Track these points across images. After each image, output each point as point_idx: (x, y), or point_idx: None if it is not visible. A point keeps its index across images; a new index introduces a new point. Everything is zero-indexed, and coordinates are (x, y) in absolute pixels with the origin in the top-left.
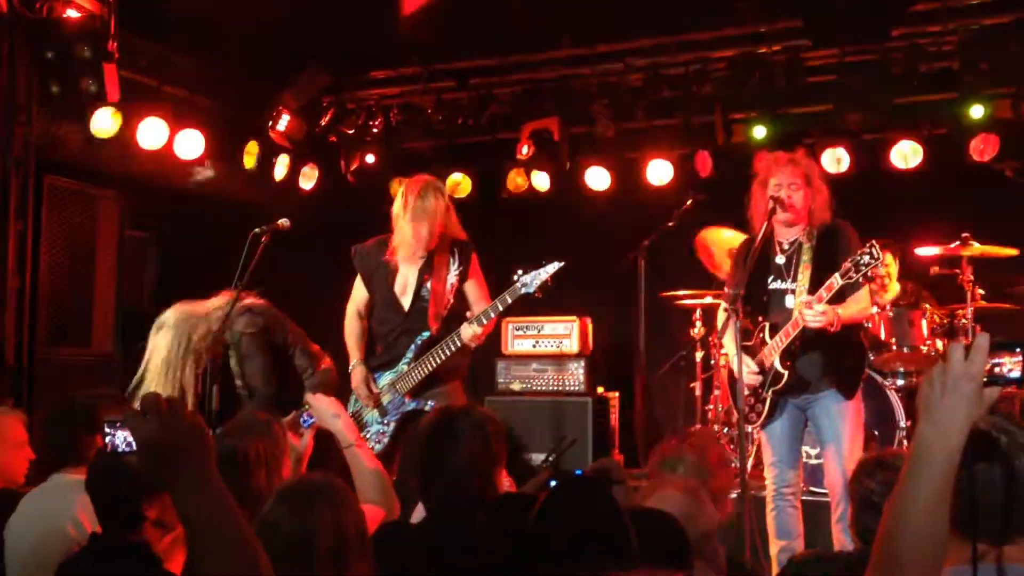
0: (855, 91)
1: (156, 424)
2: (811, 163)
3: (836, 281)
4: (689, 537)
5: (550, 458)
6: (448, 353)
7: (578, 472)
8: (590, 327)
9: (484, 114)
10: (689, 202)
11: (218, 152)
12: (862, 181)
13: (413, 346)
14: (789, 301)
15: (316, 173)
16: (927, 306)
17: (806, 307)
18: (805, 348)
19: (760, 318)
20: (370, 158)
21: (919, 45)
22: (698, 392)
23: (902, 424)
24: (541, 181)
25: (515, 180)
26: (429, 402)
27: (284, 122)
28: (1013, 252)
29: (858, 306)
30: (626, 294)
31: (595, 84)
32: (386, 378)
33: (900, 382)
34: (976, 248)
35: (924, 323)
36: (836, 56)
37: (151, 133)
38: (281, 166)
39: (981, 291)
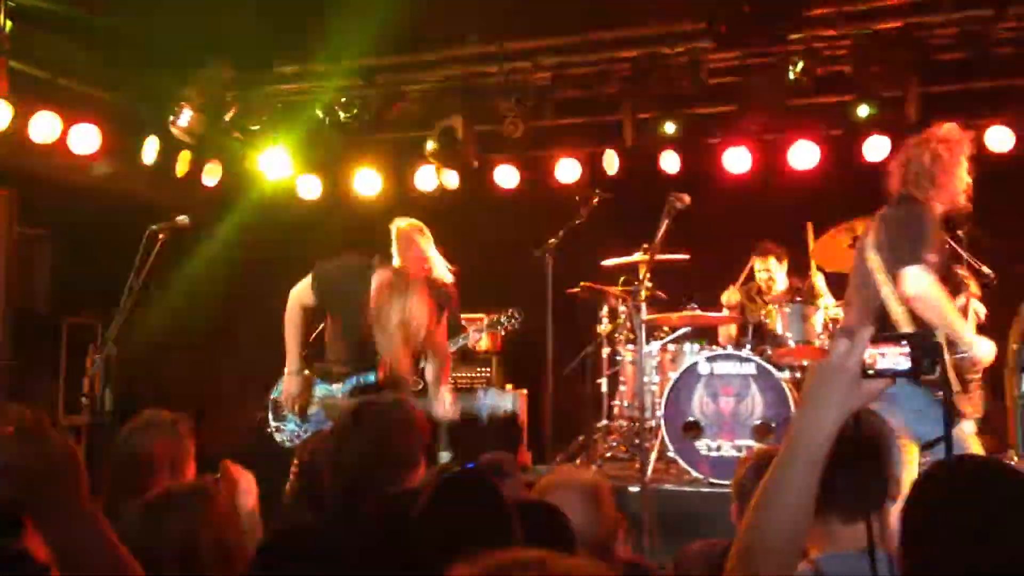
0: (756, 93)
1: (20, 447)
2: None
3: None
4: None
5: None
6: None
7: (470, 465)
8: None
9: (392, 111)
10: (596, 200)
11: (115, 147)
12: (762, 180)
13: (356, 378)
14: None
15: (220, 169)
16: (821, 301)
17: None
18: None
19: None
20: (276, 154)
21: (815, 49)
22: (604, 388)
23: None
24: (450, 179)
25: (423, 178)
26: None
27: (186, 117)
28: None
29: None
30: (534, 291)
31: (503, 83)
32: (321, 390)
33: (796, 375)
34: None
35: (818, 318)
36: (737, 58)
37: (44, 127)
38: (182, 162)
39: None
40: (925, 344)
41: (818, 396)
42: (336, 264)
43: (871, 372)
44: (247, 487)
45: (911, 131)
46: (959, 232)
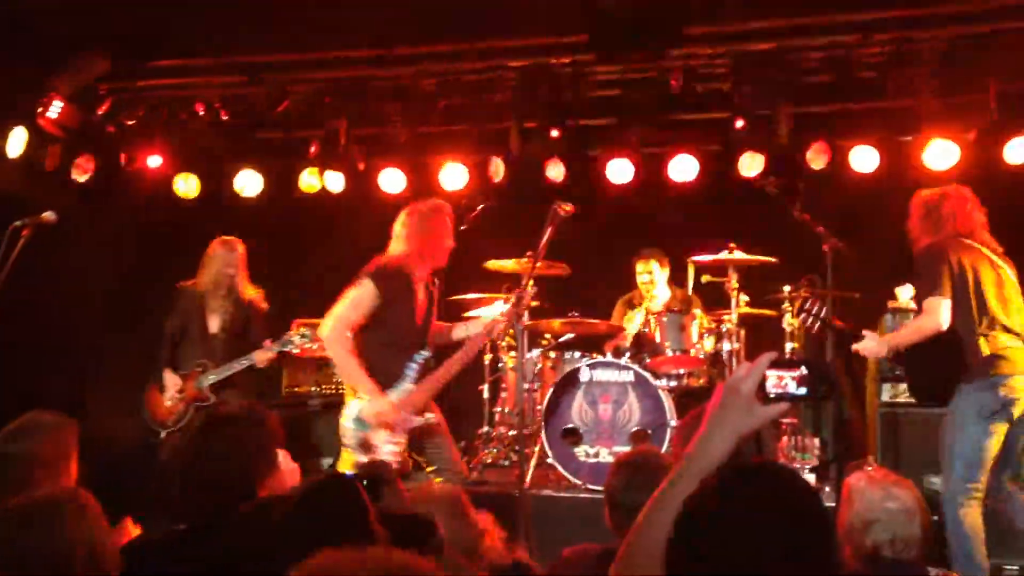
0: (637, 106)
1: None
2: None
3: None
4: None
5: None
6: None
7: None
8: None
9: (276, 111)
10: (480, 208)
11: None
12: (643, 193)
13: (415, 364)
14: None
15: (92, 165)
16: (697, 311)
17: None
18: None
19: None
20: (152, 151)
21: (693, 66)
22: (486, 395)
23: (672, 423)
24: (334, 182)
25: (307, 180)
26: (427, 414)
27: (56, 109)
28: (773, 260)
29: (910, 328)
30: None
31: (390, 87)
32: (398, 394)
33: (672, 383)
34: (741, 257)
35: (694, 327)
36: (619, 72)
37: None
38: (52, 155)
39: (745, 297)
40: (821, 369)
41: (715, 417)
42: (386, 271)
43: (771, 396)
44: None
45: (783, 149)
46: (824, 248)
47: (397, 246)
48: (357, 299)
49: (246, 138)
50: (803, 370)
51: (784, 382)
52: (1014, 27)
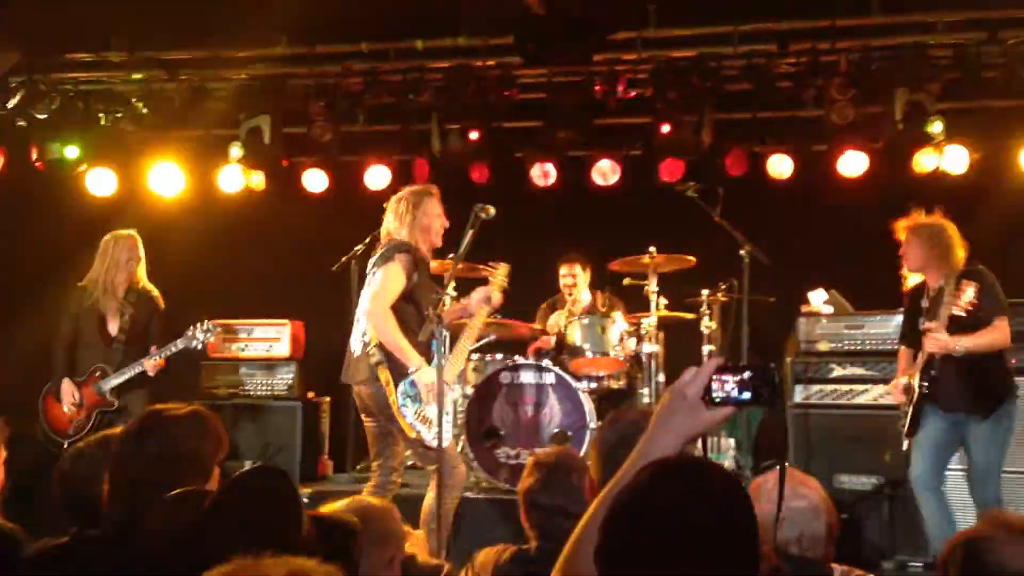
0: (562, 110)
1: None
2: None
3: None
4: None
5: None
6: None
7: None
8: (302, 331)
9: (197, 108)
10: None
11: None
12: (568, 196)
13: (436, 341)
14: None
15: (1, 158)
16: (617, 314)
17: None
18: (943, 372)
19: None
20: (69, 145)
21: (617, 72)
22: None
23: (592, 425)
24: (255, 180)
25: (228, 178)
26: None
27: None
28: (691, 261)
29: (986, 337)
30: (339, 298)
31: (312, 85)
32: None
33: (592, 385)
34: (660, 261)
35: (615, 330)
36: (545, 76)
37: None
38: None
39: (665, 301)
40: (766, 375)
41: (659, 421)
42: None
43: (716, 400)
44: None
45: (704, 155)
46: (740, 252)
47: (398, 230)
48: (390, 276)
49: (165, 135)
50: (748, 375)
51: (729, 387)
52: (919, 41)
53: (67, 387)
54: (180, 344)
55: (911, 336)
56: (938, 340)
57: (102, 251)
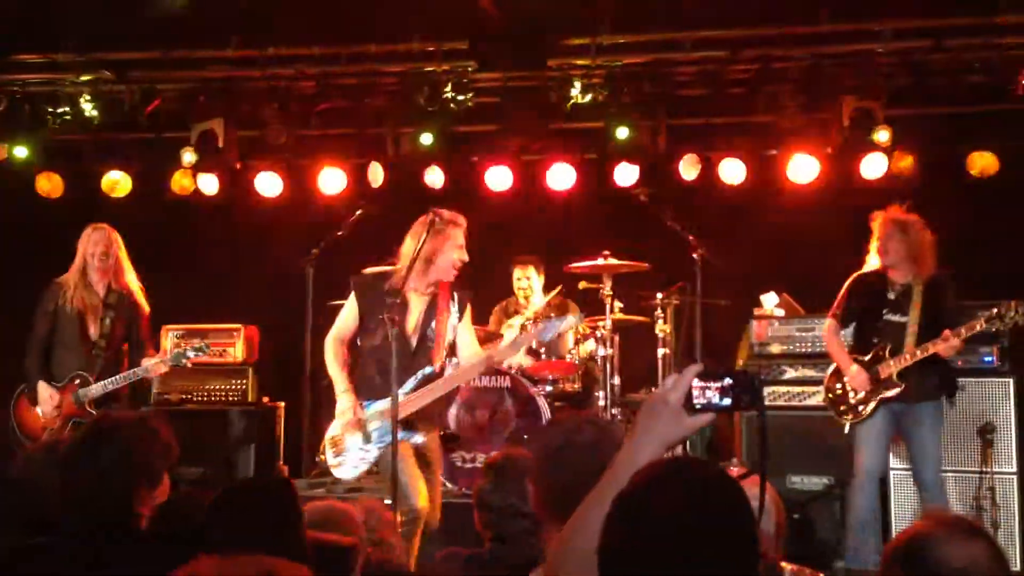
0: (517, 114)
1: None
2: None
3: (981, 325)
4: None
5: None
6: None
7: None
8: (257, 335)
9: (147, 110)
10: (359, 212)
11: None
12: (522, 199)
13: (414, 379)
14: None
15: None
16: (572, 317)
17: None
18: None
19: (875, 340)
20: (18, 146)
21: (572, 77)
22: None
23: None
24: (208, 184)
25: (180, 182)
26: (415, 436)
27: None
28: (644, 266)
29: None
30: (294, 302)
31: (265, 88)
32: (377, 406)
33: (548, 388)
34: (615, 264)
35: (569, 333)
36: (500, 80)
37: None
38: None
39: (619, 304)
40: (745, 380)
41: (642, 427)
42: (364, 280)
43: (697, 407)
44: None
45: (656, 160)
46: (694, 256)
47: (404, 252)
48: (345, 308)
49: (115, 137)
50: (727, 381)
51: (710, 393)
52: (865, 49)
53: (45, 391)
54: (169, 360)
55: (864, 318)
56: (954, 347)
57: (81, 243)
